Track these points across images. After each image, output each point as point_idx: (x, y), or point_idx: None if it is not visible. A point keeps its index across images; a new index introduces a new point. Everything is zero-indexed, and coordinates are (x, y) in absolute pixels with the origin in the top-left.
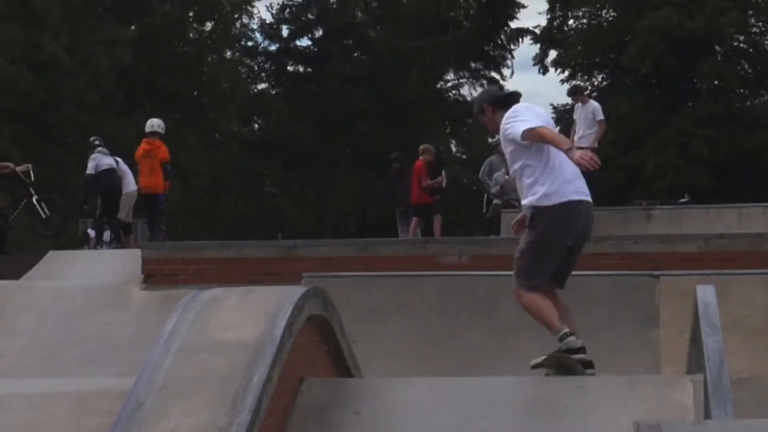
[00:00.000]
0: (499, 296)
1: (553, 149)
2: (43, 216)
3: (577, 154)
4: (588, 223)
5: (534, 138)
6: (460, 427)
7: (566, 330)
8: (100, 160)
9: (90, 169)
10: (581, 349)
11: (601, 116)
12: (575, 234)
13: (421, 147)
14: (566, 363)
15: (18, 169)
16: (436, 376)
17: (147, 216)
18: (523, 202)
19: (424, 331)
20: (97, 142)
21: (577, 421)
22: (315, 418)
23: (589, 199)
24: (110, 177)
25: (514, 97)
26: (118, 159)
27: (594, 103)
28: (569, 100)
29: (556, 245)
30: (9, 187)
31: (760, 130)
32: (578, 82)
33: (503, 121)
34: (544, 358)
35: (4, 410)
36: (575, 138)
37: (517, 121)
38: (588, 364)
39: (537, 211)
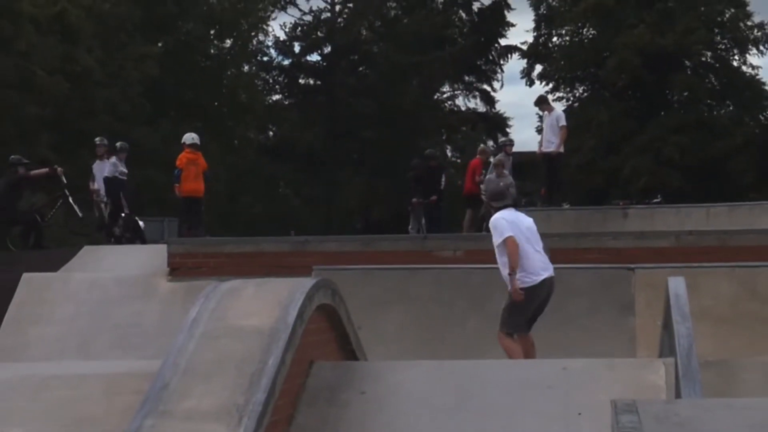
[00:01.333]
0: (490, 287)
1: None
2: (79, 215)
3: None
4: (549, 291)
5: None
6: (457, 405)
7: None
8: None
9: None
10: None
11: (563, 122)
12: (539, 300)
13: (480, 147)
14: None
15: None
16: (434, 359)
17: (187, 216)
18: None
19: (422, 319)
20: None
21: (561, 399)
22: (324, 398)
23: (550, 275)
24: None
25: None
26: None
27: (558, 111)
28: (558, 107)
29: (526, 309)
30: (47, 188)
31: (726, 138)
32: (543, 93)
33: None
34: None
35: (45, 389)
36: (543, 143)
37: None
38: None
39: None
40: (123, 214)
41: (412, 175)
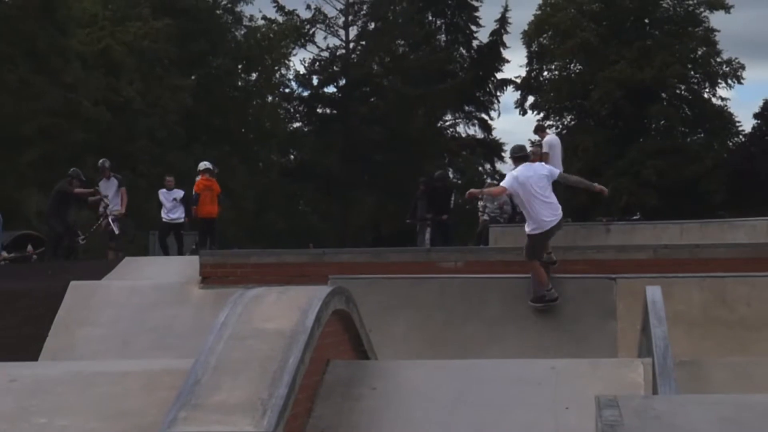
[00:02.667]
0: (488, 294)
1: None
2: (116, 233)
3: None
4: (558, 227)
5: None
6: (457, 399)
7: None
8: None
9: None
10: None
11: (546, 149)
12: (550, 236)
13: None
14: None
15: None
16: (437, 359)
17: (205, 234)
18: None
19: (426, 323)
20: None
21: (550, 394)
22: (339, 393)
23: (557, 218)
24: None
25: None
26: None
27: (547, 138)
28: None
29: (540, 245)
30: (93, 207)
31: (698, 162)
32: (541, 122)
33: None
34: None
35: (90, 385)
36: (554, 163)
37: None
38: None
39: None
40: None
41: (421, 193)
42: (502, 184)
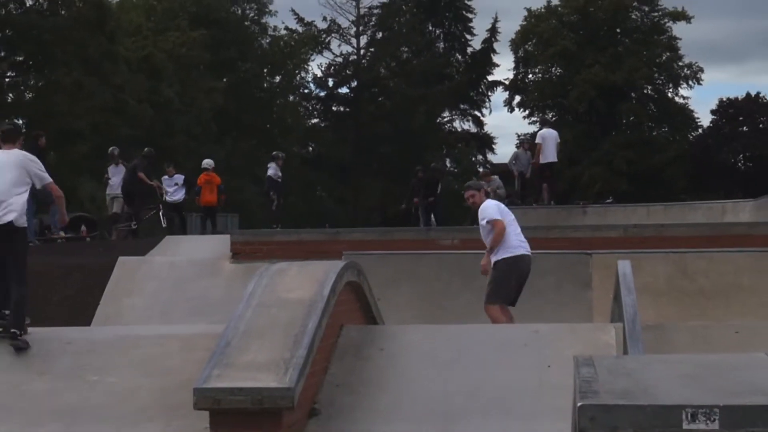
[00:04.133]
0: (479, 268)
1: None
2: (163, 225)
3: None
4: (527, 268)
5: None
6: (453, 359)
7: None
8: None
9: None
10: None
11: (539, 140)
12: (519, 273)
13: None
14: None
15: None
16: (436, 324)
17: (206, 218)
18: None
19: (427, 293)
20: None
21: (535, 354)
22: (351, 353)
23: (527, 252)
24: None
25: None
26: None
27: (541, 131)
28: (530, 130)
29: (508, 281)
30: (150, 197)
31: (662, 153)
32: (545, 117)
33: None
34: None
35: (136, 347)
36: (545, 153)
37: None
38: None
39: (497, 261)
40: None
41: (414, 181)
42: (495, 217)
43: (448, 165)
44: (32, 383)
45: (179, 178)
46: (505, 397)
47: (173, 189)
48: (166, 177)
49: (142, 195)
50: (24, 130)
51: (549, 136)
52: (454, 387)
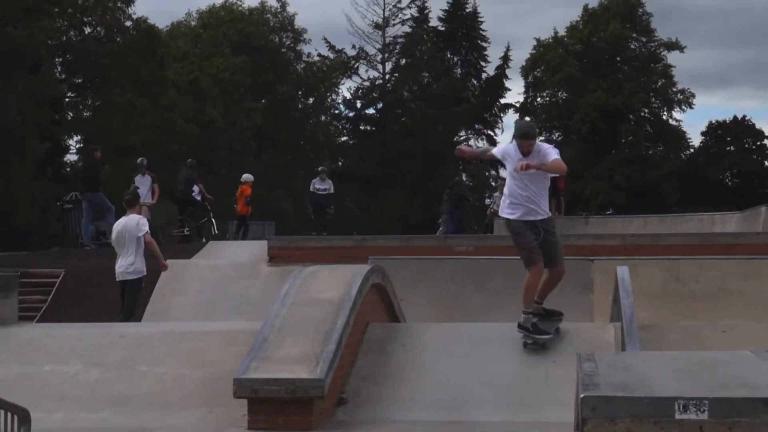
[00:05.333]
0: (492, 272)
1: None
2: (213, 233)
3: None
4: (541, 227)
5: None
6: (468, 354)
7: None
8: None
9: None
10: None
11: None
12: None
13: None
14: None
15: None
16: (452, 322)
17: (241, 225)
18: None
19: (444, 294)
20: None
21: (541, 351)
22: (376, 349)
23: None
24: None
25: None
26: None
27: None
28: None
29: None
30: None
31: (657, 169)
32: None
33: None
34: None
35: (181, 341)
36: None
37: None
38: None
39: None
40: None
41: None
42: (557, 157)
43: (464, 178)
44: (88, 373)
45: (195, 188)
46: (514, 389)
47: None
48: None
49: (194, 204)
50: (81, 145)
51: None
52: (468, 379)
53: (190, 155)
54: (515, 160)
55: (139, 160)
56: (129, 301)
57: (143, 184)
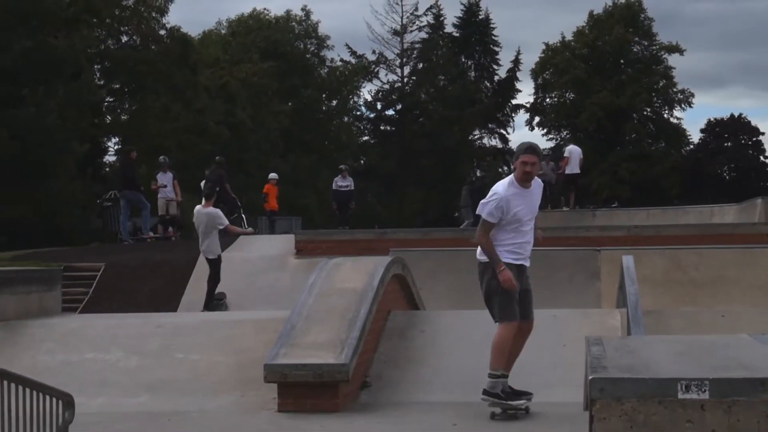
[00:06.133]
0: None
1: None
2: (243, 228)
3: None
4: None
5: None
6: (483, 339)
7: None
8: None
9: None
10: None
11: (566, 155)
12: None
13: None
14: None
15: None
16: (468, 310)
17: (270, 220)
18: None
19: (460, 284)
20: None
21: (554, 335)
22: (397, 334)
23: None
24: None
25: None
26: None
27: (569, 146)
28: (549, 145)
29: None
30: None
31: (659, 165)
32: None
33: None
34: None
35: (215, 329)
36: (571, 165)
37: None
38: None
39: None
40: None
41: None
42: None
43: (478, 174)
44: (128, 361)
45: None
46: (527, 371)
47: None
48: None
49: (226, 200)
50: (119, 147)
51: (574, 151)
52: (483, 363)
53: (221, 155)
54: (518, 204)
55: (161, 158)
56: (211, 272)
57: (166, 180)
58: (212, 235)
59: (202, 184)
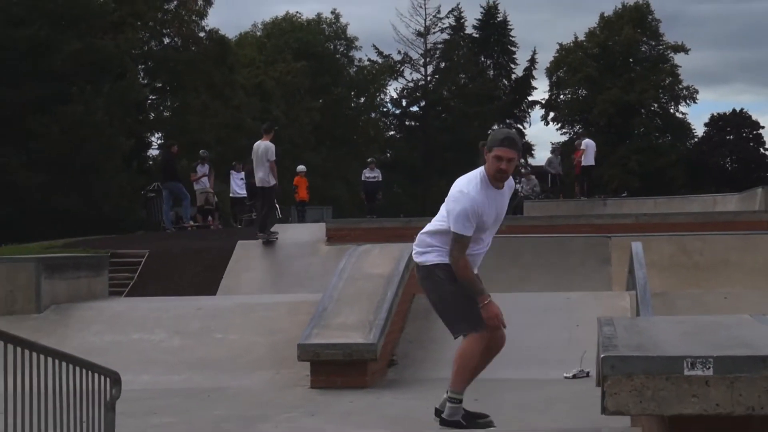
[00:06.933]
0: (523, 248)
1: None
2: (279, 216)
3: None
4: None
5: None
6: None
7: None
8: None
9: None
10: None
11: (583, 147)
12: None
13: (576, 142)
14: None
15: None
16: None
17: (300, 210)
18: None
19: (481, 267)
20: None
21: (568, 315)
22: (421, 316)
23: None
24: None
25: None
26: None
27: (585, 140)
28: (563, 139)
29: None
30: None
31: (666, 157)
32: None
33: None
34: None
35: (251, 311)
36: (587, 157)
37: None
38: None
39: None
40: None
41: None
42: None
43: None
44: (171, 341)
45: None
46: (543, 350)
47: (240, 183)
48: (233, 171)
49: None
50: (161, 141)
51: (590, 145)
52: None
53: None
54: (486, 209)
55: (201, 151)
56: (264, 199)
57: (204, 172)
58: (266, 166)
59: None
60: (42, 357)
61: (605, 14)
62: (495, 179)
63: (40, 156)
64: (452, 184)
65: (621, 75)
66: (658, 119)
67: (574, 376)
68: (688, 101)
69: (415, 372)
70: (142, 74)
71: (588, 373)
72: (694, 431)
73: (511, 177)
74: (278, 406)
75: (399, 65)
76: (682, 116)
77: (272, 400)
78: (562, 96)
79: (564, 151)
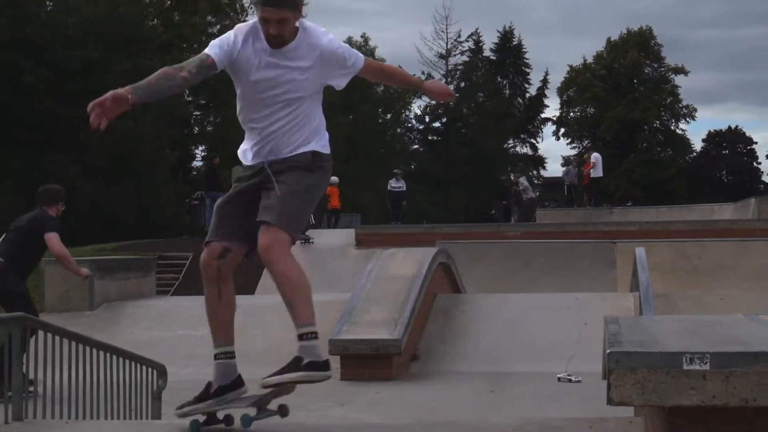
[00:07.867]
0: (535, 252)
1: None
2: (310, 222)
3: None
4: None
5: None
6: (516, 319)
7: None
8: None
9: None
10: None
11: (593, 161)
12: None
13: (585, 155)
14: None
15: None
16: (503, 293)
17: (333, 217)
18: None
19: (497, 271)
20: None
21: (577, 314)
22: (442, 314)
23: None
24: None
25: None
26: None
27: (594, 154)
28: (572, 152)
29: None
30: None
31: (667, 170)
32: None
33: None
34: None
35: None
36: (597, 170)
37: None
38: None
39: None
40: None
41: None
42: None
43: (512, 177)
44: None
45: None
46: (554, 346)
47: None
48: None
49: None
50: (204, 153)
51: (599, 158)
52: (516, 339)
53: None
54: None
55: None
56: None
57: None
58: None
59: None
60: (95, 351)
61: (612, 39)
62: (270, 44)
63: (93, 167)
64: (469, 194)
65: (626, 94)
66: (660, 135)
67: (570, 380)
68: (687, 119)
69: (437, 365)
70: (187, 92)
71: (572, 380)
72: (692, 421)
73: (528, 185)
74: (310, 397)
75: None
76: (682, 132)
77: (305, 390)
78: (572, 113)
79: (578, 163)
